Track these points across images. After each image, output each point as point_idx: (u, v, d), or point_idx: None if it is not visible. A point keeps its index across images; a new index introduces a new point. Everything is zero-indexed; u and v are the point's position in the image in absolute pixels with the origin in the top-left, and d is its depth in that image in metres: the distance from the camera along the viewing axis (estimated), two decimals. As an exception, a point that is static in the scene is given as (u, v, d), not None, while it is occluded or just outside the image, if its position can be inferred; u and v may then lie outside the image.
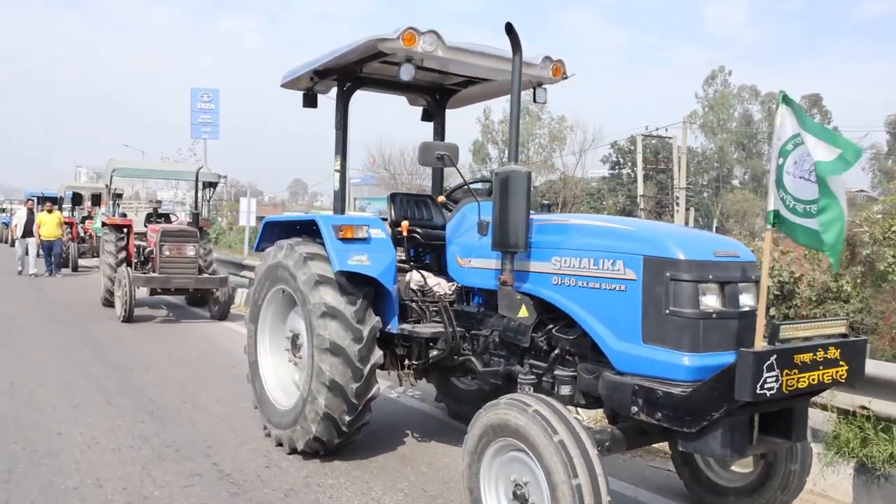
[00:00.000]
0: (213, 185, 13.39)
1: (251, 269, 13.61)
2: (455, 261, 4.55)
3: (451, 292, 4.80)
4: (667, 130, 34.66)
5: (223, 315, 11.34)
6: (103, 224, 13.04)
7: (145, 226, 12.53)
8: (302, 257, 4.65)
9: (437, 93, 5.73)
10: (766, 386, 2.93)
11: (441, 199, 5.11)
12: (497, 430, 3.32)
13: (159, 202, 14.79)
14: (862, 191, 55.20)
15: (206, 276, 11.33)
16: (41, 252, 17.55)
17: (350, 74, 5.04)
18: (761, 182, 61.36)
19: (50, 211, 17.55)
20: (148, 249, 11.77)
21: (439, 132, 5.80)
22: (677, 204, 31.45)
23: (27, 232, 17.61)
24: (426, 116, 5.97)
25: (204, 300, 12.23)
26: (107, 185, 13.36)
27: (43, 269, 17.58)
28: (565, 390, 3.78)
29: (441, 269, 5.21)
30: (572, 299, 3.68)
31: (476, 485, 3.45)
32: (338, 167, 5.18)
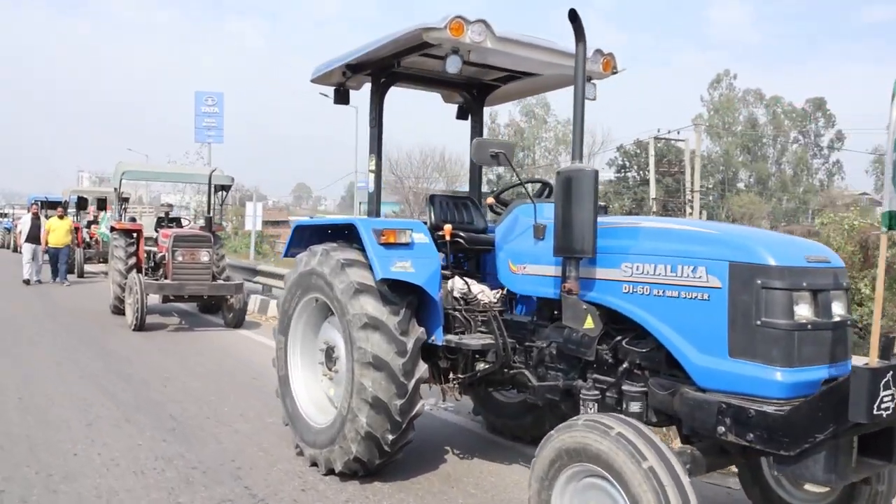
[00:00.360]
0: (225, 188, 13.09)
1: (265, 274, 13.33)
2: (507, 267, 4.22)
3: (496, 300, 4.49)
4: (678, 133, 34.38)
5: (238, 323, 11.01)
6: (112, 229, 12.72)
7: (156, 230, 12.23)
8: (339, 264, 4.34)
9: (475, 88, 5.42)
10: (882, 406, 2.64)
11: (490, 200, 4.80)
12: (573, 455, 3.01)
13: (170, 206, 14.46)
14: (864, 193, 55.02)
15: (220, 282, 11.02)
16: (47, 258, 17.11)
17: (386, 69, 4.74)
18: (766, 185, 61.16)
19: (61, 217, 17.10)
20: (160, 255, 11.46)
21: (478, 131, 5.47)
22: (690, 206, 31.09)
23: (33, 237, 16.85)
24: (461, 114, 5.66)
25: (217, 307, 11.90)
26: (115, 189, 13.03)
27: (48, 277, 17.19)
28: (635, 407, 3.46)
29: (483, 276, 4.91)
30: (646, 309, 3.37)
31: (547, 514, 3.14)
32: (373, 167, 4.87)
